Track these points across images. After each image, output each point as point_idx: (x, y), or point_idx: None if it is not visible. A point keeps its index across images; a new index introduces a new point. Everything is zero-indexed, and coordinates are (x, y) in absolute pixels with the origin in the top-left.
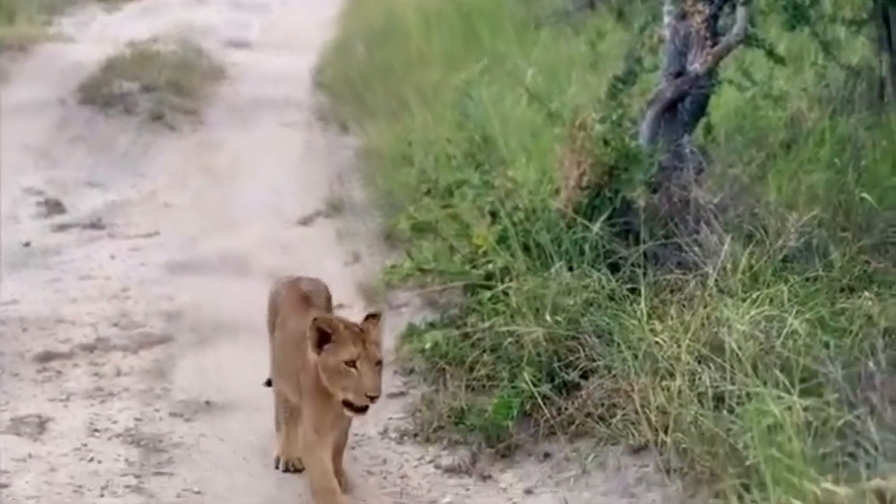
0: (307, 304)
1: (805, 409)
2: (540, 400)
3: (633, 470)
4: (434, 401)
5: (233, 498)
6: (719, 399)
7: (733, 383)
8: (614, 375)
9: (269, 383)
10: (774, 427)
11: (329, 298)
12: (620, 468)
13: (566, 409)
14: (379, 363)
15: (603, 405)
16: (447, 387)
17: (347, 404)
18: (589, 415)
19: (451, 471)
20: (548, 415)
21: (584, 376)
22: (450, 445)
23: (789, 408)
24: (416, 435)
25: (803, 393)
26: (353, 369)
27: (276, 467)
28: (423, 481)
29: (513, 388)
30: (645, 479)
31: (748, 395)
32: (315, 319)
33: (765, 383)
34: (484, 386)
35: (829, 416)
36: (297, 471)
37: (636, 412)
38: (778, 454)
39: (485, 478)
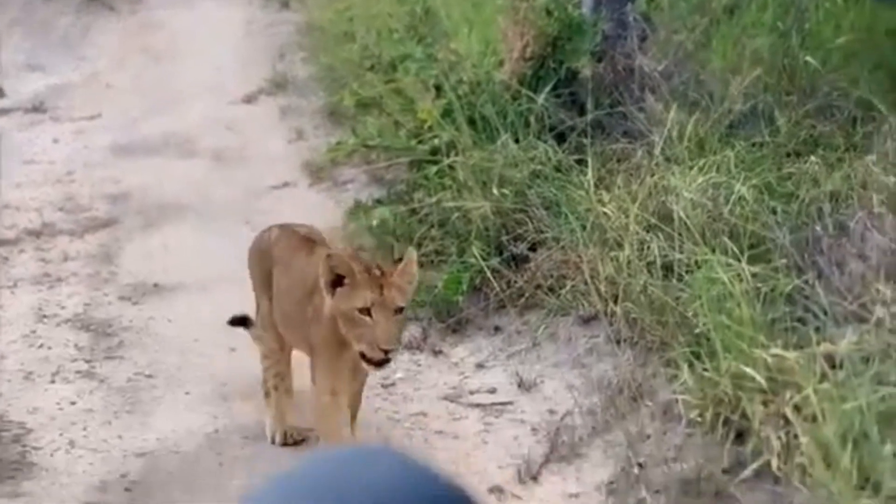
0: (312, 243)
1: (753, 275)
2: (489, 274)
3: (584, 340)
4: None
5: (184, 379)
6: (668, 268)
7: (682, 252)
8: (563, 247)
9: (238, 322)
10: (723, 294)
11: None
12: (571, 339)
13: (515, 282)
14: (399, 311)
15: (552, 277)
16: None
17: (363, 356)
18: (538, 287)
19: (403, 347)
20: (497, 288)
21: (533, 248)
22: None
23: (738, 274)
24: None
25: (751, 259)
26: (367, 318)
27: (273, 442)
28: None
29: (461, 262)
30: (595, 349)
31: (697, 263)
32: (328, 256)
33: (713, 251)
34: (433, 261)
35: (777, 281)
36: (297, 442)
37: (585, 283)
38: (727, 321)
39: (436, 353)
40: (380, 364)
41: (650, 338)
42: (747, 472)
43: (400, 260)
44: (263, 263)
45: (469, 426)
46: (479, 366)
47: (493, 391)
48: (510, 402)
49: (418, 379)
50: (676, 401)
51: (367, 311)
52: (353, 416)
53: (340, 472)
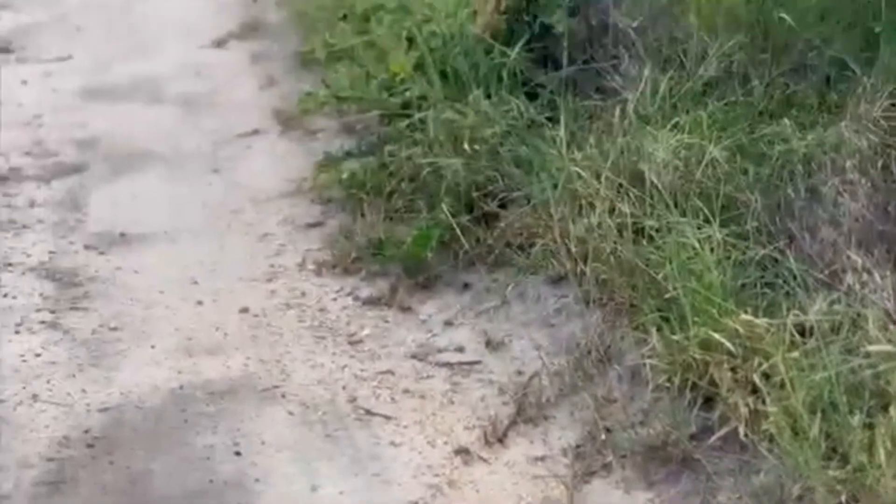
0: None
1: (724, 239)
2: (459, 230)
3: (553, 300)
4: (352, 231)
5: (149, 332)
6: (639, 230)
7: (653, 214)
8: (533, 206)
9: None
10: (694, 258)
11: None
12: (540, 298)
13: (485, 239)
14: None
15: (522, 235)
16: (365, 217)
17: None
18: (508, 245)
19: (371, 303)
20: (467, 245)
21: (503, 206)
22: (368, 277)
23: (708, 237)
24: (334, 266)
25: (723, 223)
26: None
27: None
28: (342, 314)
29: (431, 218)
30: (564, 309)
31: (667, 225)
32: None
33: (684, 213)
34: (402, 217)
35: (748, 246)
36: None
37: (555, 242)
38: (697, 286)
39: (404, 309)
40: None
41: (619, 300)
42: (714, 439)
43: None
44: None
45: (436, 385)
46: (448, 323)
47: (460, 350)
48: (478, 362)
49: (385, 336)
50: (644, 365)
51: None
52: None
53: None
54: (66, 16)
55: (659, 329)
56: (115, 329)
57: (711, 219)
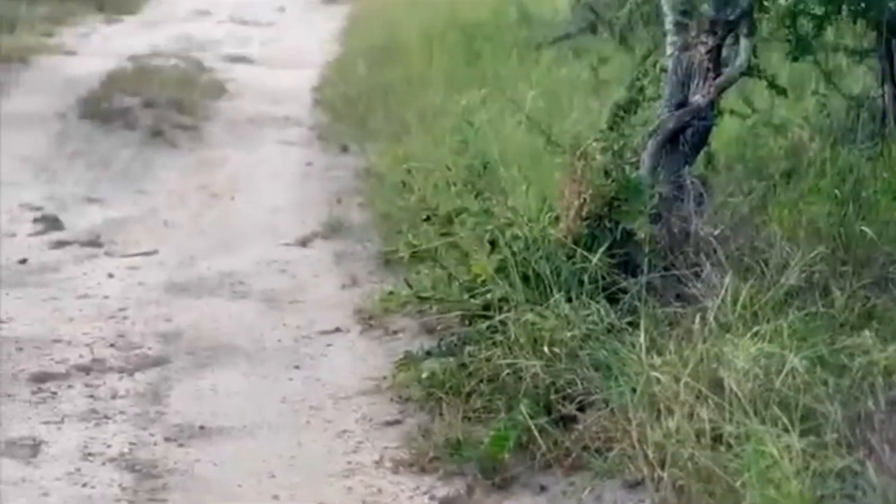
0: None
1: (803, 449)
2: (537, 432)
3: None
4: (430, 430)
5: None
6: (717, 437)
7: (732, 421)
8: (612, 409)
9: None
10: (772, 467)
11: None
12: (616, 503)
13: (563, 442)
14: None
15: (600, 439)
16: (443, 417)
17: None
18: (586, 448)
19: (447, 502)
20: (544, 448)
21: (582, 409)
22: (445, 476)
23: (788, 446)
24: (411, 465)
25: (802, 433)
26: None
27: None
28: None
29: (510, 419)
30: None
31: (746, 434)
32: None
33: (763, 422)
34: (480, 417)
35: (827, 456)
36: None
37: (633, 447)
38: (776, 495)
39: None
40: None
41: None
42: None
43: None
44: None
45: None
46: None
47: None
48: None
49: None
50: None
51: None
52: None
53: None
54: (154, 211)
55: None
56: None
57: (791, 428)
